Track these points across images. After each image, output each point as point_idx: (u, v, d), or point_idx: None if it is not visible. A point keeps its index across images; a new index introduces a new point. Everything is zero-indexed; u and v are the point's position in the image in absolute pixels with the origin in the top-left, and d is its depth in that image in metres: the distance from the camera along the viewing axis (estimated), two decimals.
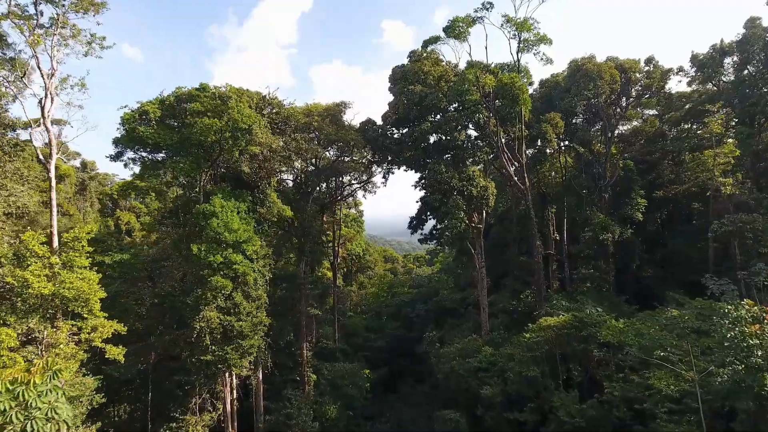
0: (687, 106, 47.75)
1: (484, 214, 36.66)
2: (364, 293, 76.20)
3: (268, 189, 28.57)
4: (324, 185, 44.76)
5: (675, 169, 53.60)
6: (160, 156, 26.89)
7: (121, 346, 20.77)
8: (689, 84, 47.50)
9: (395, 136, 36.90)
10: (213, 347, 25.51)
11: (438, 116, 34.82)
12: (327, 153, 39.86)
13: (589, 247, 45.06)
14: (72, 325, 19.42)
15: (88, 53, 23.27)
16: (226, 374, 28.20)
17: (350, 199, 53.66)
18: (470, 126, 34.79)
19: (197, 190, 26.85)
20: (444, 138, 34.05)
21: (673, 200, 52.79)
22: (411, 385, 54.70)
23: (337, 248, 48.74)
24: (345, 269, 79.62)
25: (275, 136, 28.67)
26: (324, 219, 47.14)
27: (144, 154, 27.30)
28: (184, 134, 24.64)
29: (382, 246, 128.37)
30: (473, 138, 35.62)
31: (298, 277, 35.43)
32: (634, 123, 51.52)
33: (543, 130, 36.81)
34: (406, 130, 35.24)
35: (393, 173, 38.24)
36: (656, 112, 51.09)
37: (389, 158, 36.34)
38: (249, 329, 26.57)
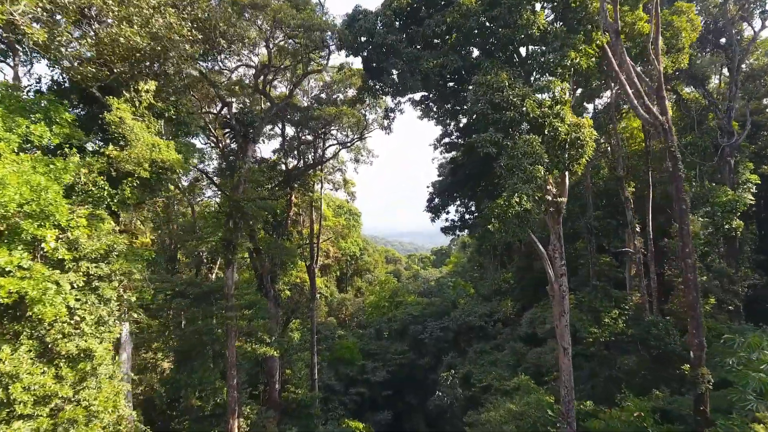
0: None
1: (568, 179, 20.17)
2: (362, 302, 61.20)
3: (119, 101, 12.15)
4: (288, 144, 28.31)
5: None
6: None
7: None
8: None
9: (408, 49, 20.22)
10: None
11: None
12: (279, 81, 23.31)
13: (699, 241, 30.63)
14: None
15: None
16: None
17: (338, 175, 37.03)
18: (548, 7, 18.22)
19: None
20: (501, 31, 17.46)
21: None
22: None
23: (315, 243, 32.37)
24: (338, 272, 64.87)
25: None
26: (294, 199, 30.72)
27: None
28: None
29: (383, 246, 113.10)
30: (550, 35, 18.83)
31: (224, 294, 18.55)
32: (753, 61, 34.85)
33: (672, 28, 20.20)
34: (427, 24, 18.65)
35: (402, 111, 21.87)
36: None
37: (395, 74, 19.31)
38: None
